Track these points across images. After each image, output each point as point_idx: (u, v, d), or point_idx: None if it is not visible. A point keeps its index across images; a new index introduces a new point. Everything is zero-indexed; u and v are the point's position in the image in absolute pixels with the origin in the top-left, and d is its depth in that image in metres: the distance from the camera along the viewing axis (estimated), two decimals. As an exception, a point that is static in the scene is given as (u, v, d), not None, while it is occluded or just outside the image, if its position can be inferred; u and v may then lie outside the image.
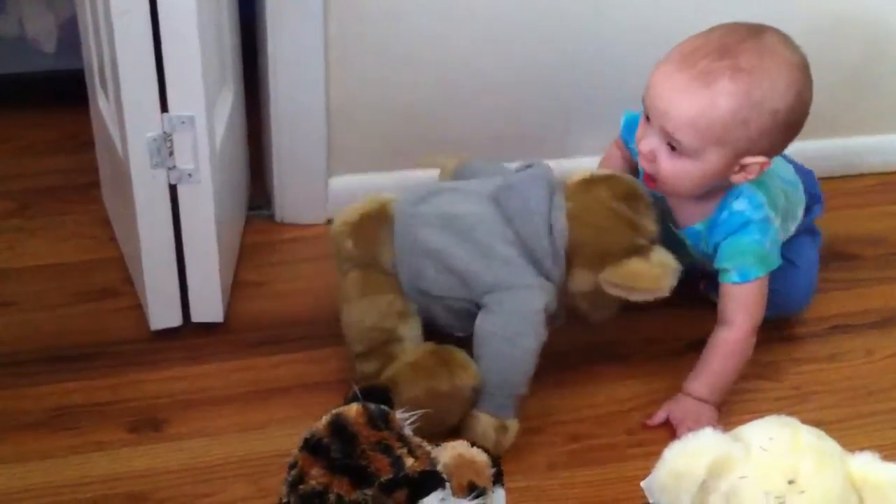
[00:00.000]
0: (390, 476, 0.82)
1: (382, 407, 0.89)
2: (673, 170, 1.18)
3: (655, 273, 1.19)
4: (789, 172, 1.35)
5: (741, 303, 1.24)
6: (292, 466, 0.85)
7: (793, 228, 1.34)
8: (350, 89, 1.52)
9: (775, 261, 1.25)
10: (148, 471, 1.17)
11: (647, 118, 1.19)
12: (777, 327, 1.39)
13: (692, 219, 1.28)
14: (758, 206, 1.23)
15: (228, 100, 1.42)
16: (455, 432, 1.18)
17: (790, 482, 0.81)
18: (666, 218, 1.28)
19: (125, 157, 1.23)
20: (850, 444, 1.20)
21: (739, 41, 1.16)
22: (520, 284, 1.19)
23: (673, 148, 1.17)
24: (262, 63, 1.51)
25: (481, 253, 1.20)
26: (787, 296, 1.35)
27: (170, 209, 1.26)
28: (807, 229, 1.40)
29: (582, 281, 1.22)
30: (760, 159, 1.18)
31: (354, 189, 1.59)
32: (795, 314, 1.42)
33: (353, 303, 1.22)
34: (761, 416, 0.97)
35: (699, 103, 1.13)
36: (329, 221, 1.58)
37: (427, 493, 0.82)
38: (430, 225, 1.22)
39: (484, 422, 1.19)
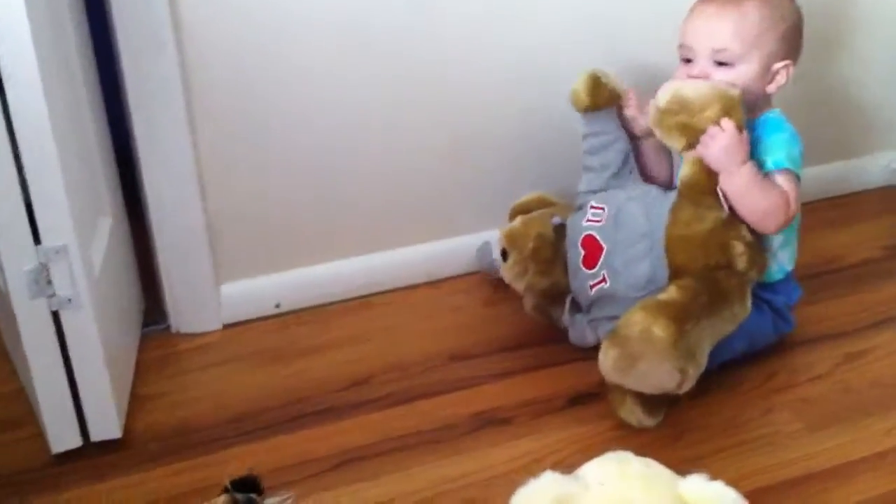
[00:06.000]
0: (256, 560, 0.87)
1: (250, 496, 0.94)
2: (728, 79, 1.41)
3: None
4: None
5: (780, 183, 1.41)
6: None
7: None
8: (227, 198, 1.60)
9: (799, 171, 1.43)
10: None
11: (687, 60, 1.45)
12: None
13: None
14: (789, 122, 1.46)
15: (107, 224, 1.49)
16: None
17: (625, 512, 0.88)
18: None
19: (5, 289, 1.29)
20: (722, 474, 1.28)
21: None
22: None
23: (720, 64, 1.41)
24: (140, 183, 1.59)
25: None
26: None
27: (55, 335, 1.31)
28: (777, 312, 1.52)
29: None
30: (785, 62, 1.44)
31: (247, 293, 1.67)
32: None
33: None
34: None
35: (736, 18, 1.41)
36: (224, 327, 1.66)
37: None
38: None
39: None
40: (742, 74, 1.42)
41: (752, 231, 1.39)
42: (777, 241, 1.48)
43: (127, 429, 1.43)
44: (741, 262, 1.38)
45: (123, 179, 1.66)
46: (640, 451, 1.34)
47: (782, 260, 1.51)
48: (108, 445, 1.40)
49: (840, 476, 1.32)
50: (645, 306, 1.34)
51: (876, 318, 1.64)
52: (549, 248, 1.53)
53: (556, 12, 1.66)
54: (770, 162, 1.42)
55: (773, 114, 1.47)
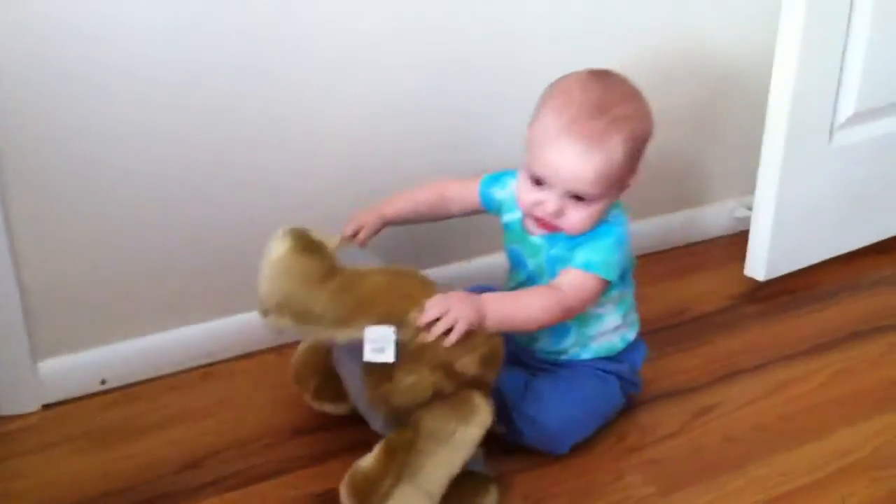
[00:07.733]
0: None
1: None
2: (582, 216, 1.33)
3: None
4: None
5: (572, 282, 1.34)
6: None
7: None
8: (44, 268, 1.48)
9: (613, 275, 1.36)
10: None
11: (536, 182, 1.32)
12: (495, 439, 1.41)
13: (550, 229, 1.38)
14: (622, 223, 1.38)
15: None
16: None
17: None
18: (516, 231, 1.43)
19: None
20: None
21: (604, 93, 1.31)
22: None
23: (578, 198, 1.31)
24: (-54, 256, 1.45)
25: None
26: (534, 418, 1.38)
27: None
28: (624, 379, 1.48)
29: None
30: (636, 175, 1.36)
31: (68, 369, 1.54)
32: (552, 446, 1.41)
33: None
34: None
35: (600, 162, 1.29)
36: (44, 407, 1.52)
37: None
38: None
39: None
40: (599, 207, 1.33)
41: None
42: (612, 322, 1.45)
43: (-70, 532, 1.28)
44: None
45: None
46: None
47: (623, 332, 1.48)
48: None
49: (695, 541, 1.29)
50: (350, 471, 1.24)
51: (724, 370, 1.63)
52: (333, 382, 1.42)
53: (403, 72, 1.62)
54: (581, 261, 1.34)
55: (613, 216, 1.38)
